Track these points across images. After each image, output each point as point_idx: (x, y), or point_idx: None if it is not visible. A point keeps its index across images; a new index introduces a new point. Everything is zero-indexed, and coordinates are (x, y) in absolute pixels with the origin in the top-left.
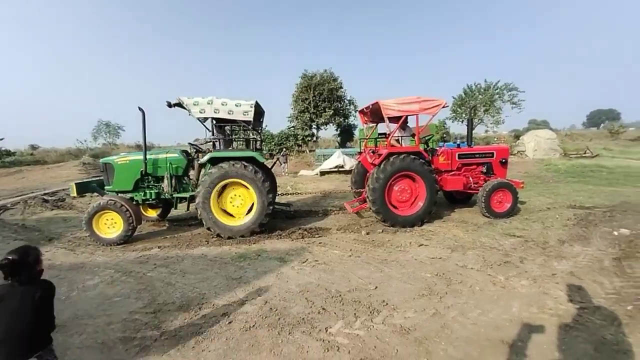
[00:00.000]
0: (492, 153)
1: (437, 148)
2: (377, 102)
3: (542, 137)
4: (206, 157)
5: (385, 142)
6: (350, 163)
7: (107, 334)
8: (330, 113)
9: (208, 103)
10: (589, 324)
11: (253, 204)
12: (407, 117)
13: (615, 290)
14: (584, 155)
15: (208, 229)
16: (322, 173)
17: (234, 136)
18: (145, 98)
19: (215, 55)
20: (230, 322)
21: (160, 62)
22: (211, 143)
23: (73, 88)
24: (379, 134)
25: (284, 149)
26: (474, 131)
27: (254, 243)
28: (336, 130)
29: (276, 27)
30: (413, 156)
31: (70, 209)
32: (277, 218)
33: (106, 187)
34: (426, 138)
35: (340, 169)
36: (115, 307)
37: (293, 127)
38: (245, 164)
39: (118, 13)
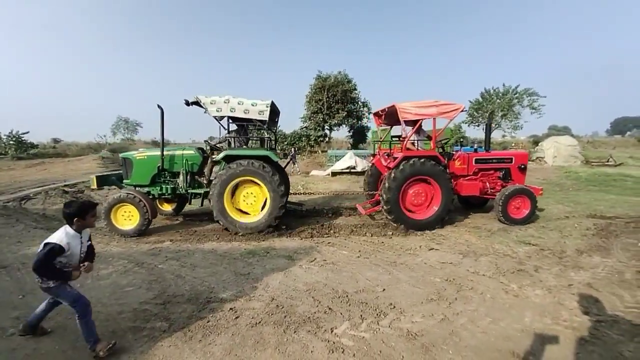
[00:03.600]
0: (511, 158)
1: (454, 152)
2: (393, 105)
3: (562, 144)
4: (221, 155)
5: (400, 145)
6: (362, 164)
7: (118, 322)
8: (344, 114)
9: (225, 102)
10: (606, 338)
11: (266, 201)
12: (421, 120)
13: (637, 304)
14: (606, 163)
15: (226, 229)
16: (334, 174)
17: (249, 135)
18: (160, 95)
19: (227, 54)
20: (237, 318)
21: (174, 61)
22: (227, 141)
23: (94, 85)
24: (392, 136)
25: (292, 149)
26: (490, 136)
27: (263, 240)
28: (349, 131)
29: (288, 26)
30: (429, 160)
31: None
32: (288, 217)
33: (124, 181)
34: (442, 142)
35: (352, 170)
36: (126, 297)
37: (306, 127)
38: (258, 162)
39: (135, 11)
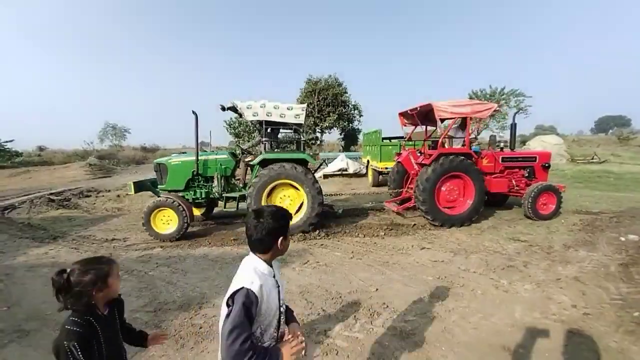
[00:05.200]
0: (535, 157)
1: (482, 150)
2: (429, 104)
3: (548, 143)
4: (258, 159)
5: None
6: (353, 167)
7: None
8: (335, 117)
9: (261, 106)
10: (593, 330)
11: (302, 204)
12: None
13: (622, 296)
14: (591, 161)
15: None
16: (326, 176)
17: (280, 139)
18: (149, 101)
19: (218, 56)
20: None
21: (163, 63)
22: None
23: (81, 91)
24: (383, 138)
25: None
26: (479, 136)
27: None
28: (340, 134)
29: (279, 30)
30: (464, 157)
31: (75, 209)
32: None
33: (159, 186)
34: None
35: (344, 172)
36: None
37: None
38: (296, 165)
39: (122, 15)
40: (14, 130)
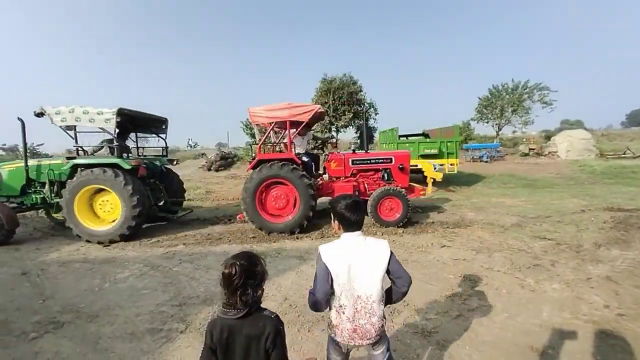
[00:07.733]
0: (391, 159)
1: (330, 154)
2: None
3: (575, 138)
4: (68, 165)
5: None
6: None
7: (135, 324)
8: (350, 116)
9: (70, 112)
10: (629, 332)
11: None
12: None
13: None
14: (623, 155)
15: (77, 235)
16: None
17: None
18: (165, 100)
19: (235, 57)
20: None
21: (178, 65)
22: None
23: (102, 94)
24: (400, 136)
25: None
26: (500, 132)
27: (274, 242)
28: (356, 132)
29: (296, 30)
30: (285, 163)
31: None
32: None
33: None
34: (318, 143)
35: None
36: (143, 299)
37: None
38: (110, 170)
39: (140, 13)
40: (43, 134)
